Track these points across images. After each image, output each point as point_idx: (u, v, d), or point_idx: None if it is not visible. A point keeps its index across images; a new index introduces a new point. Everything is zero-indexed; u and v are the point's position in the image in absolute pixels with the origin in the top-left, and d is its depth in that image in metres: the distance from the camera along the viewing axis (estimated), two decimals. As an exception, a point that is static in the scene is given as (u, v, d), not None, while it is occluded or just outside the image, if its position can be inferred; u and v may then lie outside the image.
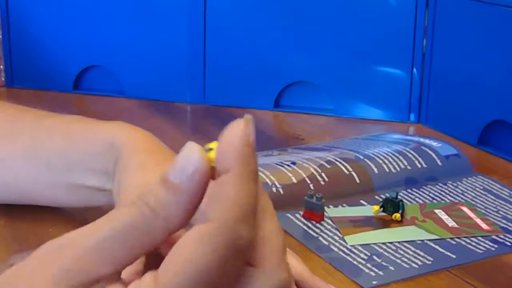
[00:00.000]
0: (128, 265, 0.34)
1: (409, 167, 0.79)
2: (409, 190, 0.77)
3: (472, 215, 0.72)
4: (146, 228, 0.33)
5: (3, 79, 1.09)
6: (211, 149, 0.34)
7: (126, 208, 0.34)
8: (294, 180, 0.73)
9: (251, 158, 0.33)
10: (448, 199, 0.75)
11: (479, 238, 0.68)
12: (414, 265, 0.63)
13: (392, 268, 0.62)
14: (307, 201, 0.70)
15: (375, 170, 0.77)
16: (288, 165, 0.75)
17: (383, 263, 0.63)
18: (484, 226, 0.70)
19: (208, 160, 0.34)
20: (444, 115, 0.98)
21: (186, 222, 0.34)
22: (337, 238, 0.67)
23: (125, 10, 1.05)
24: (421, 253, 0.65)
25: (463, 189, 0.78)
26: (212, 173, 0.34)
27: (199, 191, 0.33)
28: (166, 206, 0.33)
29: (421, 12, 0.98)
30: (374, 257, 0.64)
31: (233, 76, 1.05)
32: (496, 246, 0.67)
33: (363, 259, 0.63)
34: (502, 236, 0.68)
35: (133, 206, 0.34)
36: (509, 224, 0.71)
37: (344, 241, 0.66)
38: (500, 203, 0.75)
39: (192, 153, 0.33)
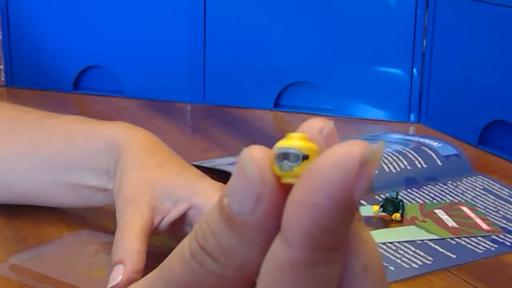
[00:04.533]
0: None
1: (409, 167, 0.79)
2: (409, 190, 0.77)
3: (472, 215, 0.72)
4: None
5: (3, 79, 1.09)
6: (304, 157, 0.23)
7: (177, 259, 0.25)
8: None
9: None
10: (448, 199, 0.75)
11: (479, 238, 0.68)
12: (414, 265, 0.63)
13: (392, 268, 0.62)
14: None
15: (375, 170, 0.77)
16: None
17: (383, 263, 0.63)
18: (484, 226, 0.70)
19: (279, 175, 0.24)
20: (444, 115, 0.98)
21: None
22: (337, 238, 0.67)
23: (125, 10, 1.05)
24: (421, 253, 0.65)
25: (463, 189, 0.78)
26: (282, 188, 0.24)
27: (271, 223, 0.24)
28: (233, 253, 0.24)
29: (421, 12, 0.98)
30: (374, 257, 0.64)
31: (233, 76, 1.05)
32: (496, 246, 0.67)
33: (363, 259, 0.63)
34: (502, 236, 0.68)
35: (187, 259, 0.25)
36: (509, 224, 0.71)
37: (344, 241, 0.66)
38: (500, 203, 0.75)
39: (251, 168, 0.24)
